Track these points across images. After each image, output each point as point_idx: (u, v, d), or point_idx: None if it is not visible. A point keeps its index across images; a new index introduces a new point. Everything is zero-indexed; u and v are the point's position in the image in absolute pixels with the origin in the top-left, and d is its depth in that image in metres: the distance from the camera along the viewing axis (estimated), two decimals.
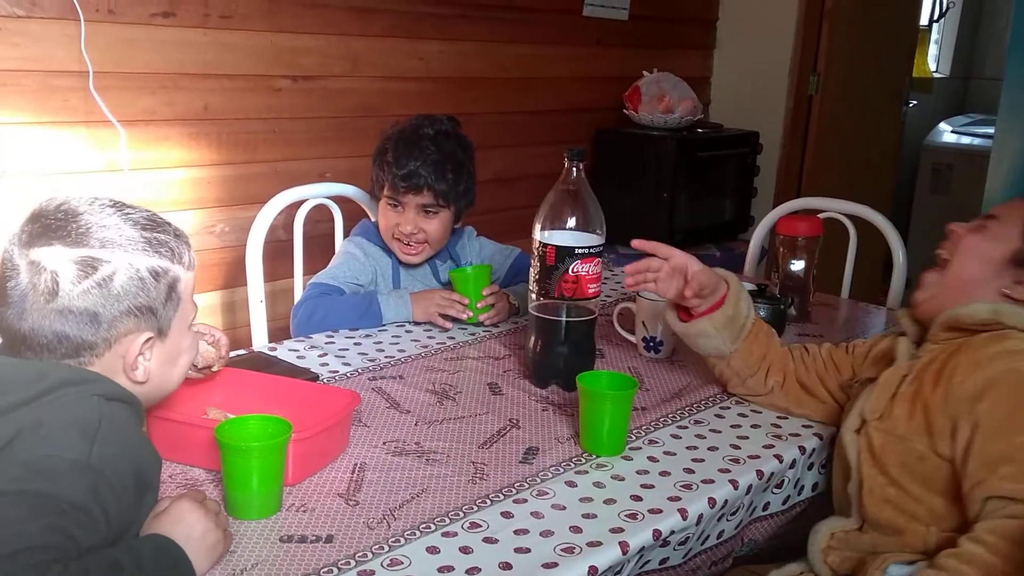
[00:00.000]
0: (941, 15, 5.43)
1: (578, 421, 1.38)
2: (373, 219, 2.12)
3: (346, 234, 2.14)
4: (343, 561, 1.05)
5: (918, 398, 1.28)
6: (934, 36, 5.60)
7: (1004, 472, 1.15)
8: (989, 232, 1.35)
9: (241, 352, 1.68)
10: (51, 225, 1.01)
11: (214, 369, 1.33)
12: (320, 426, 1.23)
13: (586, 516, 1.17)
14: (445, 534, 1.11)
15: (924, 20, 5.03)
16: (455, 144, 1.93)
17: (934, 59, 5.68)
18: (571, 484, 1.25)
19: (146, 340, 1.05)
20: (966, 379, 1.23)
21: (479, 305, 1.86)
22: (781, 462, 1.38)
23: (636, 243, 1.48)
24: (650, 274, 1.46)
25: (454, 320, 1.85)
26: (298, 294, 2.11)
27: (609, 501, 1.21)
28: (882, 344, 1.48)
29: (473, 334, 1.84)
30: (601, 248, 1.54)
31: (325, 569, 1.03)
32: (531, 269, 1.56)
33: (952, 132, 5.22)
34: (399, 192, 1.89)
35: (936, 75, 5.58)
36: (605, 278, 2.26)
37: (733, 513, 1.32)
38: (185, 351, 1.13)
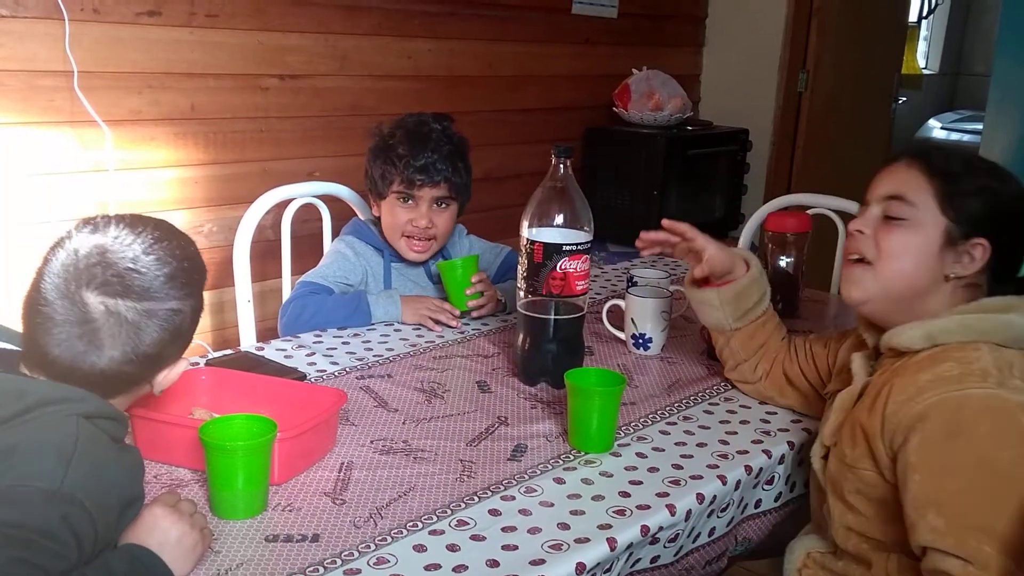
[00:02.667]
0: (930, 12, 5.44)
1: (566, 418, 1.37)
2: (363, 218, 2.11)
3: (335, 233, 2.13)
4: (329, 560, 1.04)
5: (857, 423, 1.24)
6: (923, 33, 5.62)
7: (932, 521, 1.09)
8: (907, 223, 1.25)
9: (228, 352, 1.67)
10: (126, 277, 1.01)
11: None
12: (306, 425, 1.23)
13: (574, 513, 1.16)
14: (432, 532, 1.11)
15: (913, 17, 5.05)
16: (460, 138, 1.95)
17: (923, 56, 5.70)
18: (559, 481, 1.25)
19: (184, 369, 1.11)
20: (899, 409, 1.17)
21: (468, 292, 1.86)
22: (770, 458, 1.38)
23: (665, 223, 1.54)
24: (662, 247, 1.56)
25: (443, 325, 1.85)
26: (286, 294, 2.10)
27: (597, 497, 1.21)
28: (844, 351, 1.44)
29: (462, 332, 1.84)
30: (589, 245, 1.54)
31: (311, 568, 1.02)
32: (519, 266, 1.55)
33: (941, 128, 5.24)
34: (414, 186, 1.87)
35: (925, 72, 5.60)
36: (594, 275, 2.26)
37: (723, 510, 1.31)
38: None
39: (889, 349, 1.27)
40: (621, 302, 1.77)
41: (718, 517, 1.31)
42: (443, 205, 1.92)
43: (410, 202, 1.89)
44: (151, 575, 0.96)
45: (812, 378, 1.51)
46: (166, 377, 1.10)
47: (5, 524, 0.86)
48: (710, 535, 1.32)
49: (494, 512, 1.16)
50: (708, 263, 1.49)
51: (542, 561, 1.05)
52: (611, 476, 1.27)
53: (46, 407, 0.96)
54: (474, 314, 1.89)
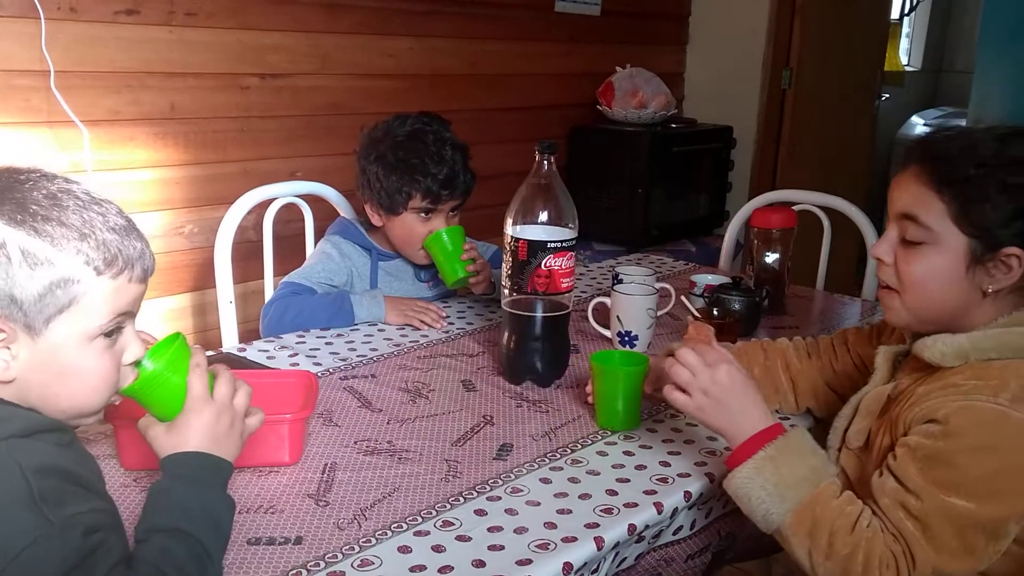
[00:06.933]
0: (911, 9, 5.47)
1: (552, 417, 1.37)
2: (348, 216, 2.09)
3: (317, 233, 2.11)
4: (312, 563, 1.02)
5: (887, 428, 1.20)
6: (905, 30, 5.64)
7: (899, 497, 1.10)
8: (925, 247, 1.16)
9: (210, 353, 1.64)
10: None
11: None
12: (311, 404, 1.27)
13: (561, 512, 1.15)
14: (417, 533, 1.09)
15: (895, 14, 5.07)
16: (463, 142, 1.94)
17: (905, 53, 5.72)
18: (545, 480, 1.23)
19: None
20: (911, 410, 1.15)
21: (464, 258, 1.86)
22: None
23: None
24: None
25: (428, 325, 1.83)
26: (269, 295, 2.08)
27: (584, 496, 1.19)
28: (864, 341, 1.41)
29: (446, 331, 1.82)
30: (574, 242, 1.53)
31: (293, 571, 1.01)
32: (503, 264, 1.54)
33: (924, 125, 5.26)
34: (440, 200, 1.86)
35: (908, 69, 5.62)
36: (580, 273, 2.25)
37: (705, 502, 1.30)
38: (87, 372, 0.94)
39: (916, 360, 1.20)
40: (607, 300, 1.76)
41: (698, 509, 1.30)
42: (455, 212, 1.92)
43: (428, 215, 1.88)
44: (216, 469, 0.99)
45: (831, 381, 1.46)
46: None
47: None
48: (692, 528, 1.30)
49: (480, 512, 1.14)
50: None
51: (529, 561, 1.04)
52: (598, 474, 1.25)
53: None
54: (471, 284, 1.90)
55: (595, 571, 1.11)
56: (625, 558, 1.19)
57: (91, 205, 0.93)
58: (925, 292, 1.18)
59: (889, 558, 1.08)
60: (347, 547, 1.06)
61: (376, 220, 1.93)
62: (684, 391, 1.21)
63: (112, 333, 0.95)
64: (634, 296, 1.72)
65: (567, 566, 1.05)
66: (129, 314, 0.97)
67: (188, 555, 0.92)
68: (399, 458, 1.28)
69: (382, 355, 1.68)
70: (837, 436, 1.30)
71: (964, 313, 1.17)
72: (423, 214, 1.88)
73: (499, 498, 1.18)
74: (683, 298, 1.83)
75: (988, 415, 1.08)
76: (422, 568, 1.02)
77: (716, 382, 1.19)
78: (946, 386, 1.13)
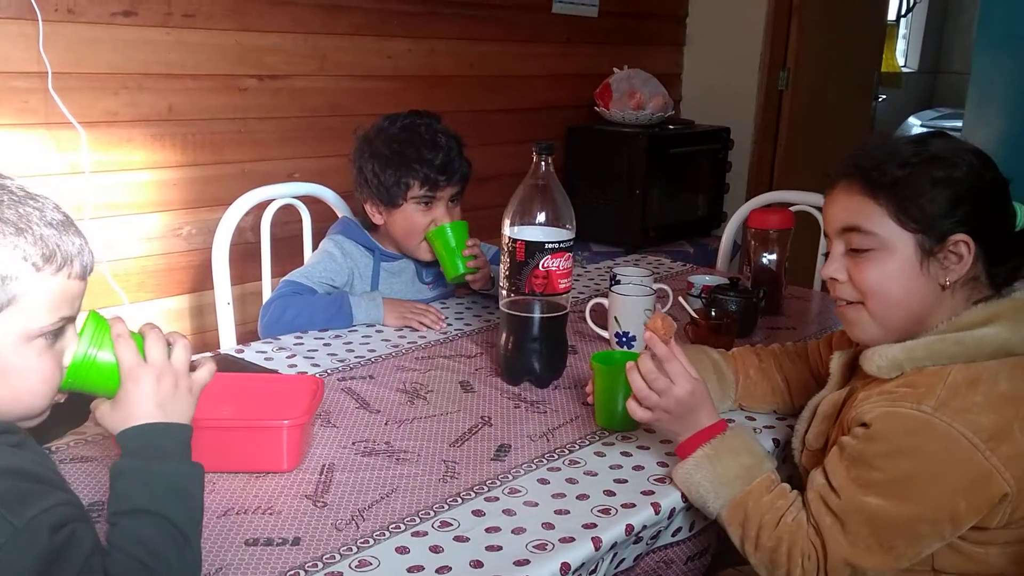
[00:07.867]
0: (908, 10, 5.48)
1: (550, 418, 1.37)
2: (348, 217, 2.09)
3: (315, 234, 2.11)
4: (310, 563, 1.03)
5: (839, 433, 1.23)
6: (902, 31, 5.66)
7: (827, 498, 1.14)
8: (874, 253, 1.17)
9: (207, 354, 1.65)
10: None
11: None
12: (311, 409, 1.25)
13: (558, 512, 1.15)
14: (415, 534, 1.09)
15: (892, 15, 5.08)
16: (457, 134, 1.95)
17: (902, 54, 5.74)
18: (543, 481, 1.23)
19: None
20: (850, 413, 1.18)
21: (465, 254, 1.87)
22: None
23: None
24: None
25: (427, 326, 1.83)
26: (267, 296, 2.08)
27: (582, 497, 1.19)
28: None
29: (444, 333, 1.82)
30: (571, 243, 1.53)
31: (292, 572, 1.01)
32: (501, 265, 1.54)
33: (921, 126, 5.28)
34: (438, 186, 1.87)
35: (904, 70, 5.63)
36: (577, 275, 2.25)
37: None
38: (27, 373, 0.92)
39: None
40: (604, 300, 1.76)
41: (697, 510, 1.30)
42: (455, 202, 1.93)
43: (429, 205, 1.89)
44: (166, 436, 0.96)
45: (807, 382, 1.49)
46: None
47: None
48: (691, 529, 1.30)
49: (478, 513, 1.14)
50: None
51: (527, 562, 1.04)
52: (596, 475, 1.26)
53: None
54: (470, 281, 1.91)
55: (593, 572, 1.12)
56: (623, 559, 1.19)
57: (26, 200, 0.91)
58: (887, 296, 1.18)
59: (811, 550, 1.14)
60: (345, 548, 1.06)
61: (377, 218, 1.93)
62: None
63: (52, 333, 0.93)
64: (632, 297, 1.72)
65: (565, 566, 1.05)
66: (70, 316, 0.95)
67: (156, 534, 0.91)
68: (397, 459, 1.28)
69: (380, 356, 1.68)
70: (798, 439, 1.34)
71: (929, 312, 1.18)
72: (423, 204, 1.89)
73: (497, 499, 1.18)
74: (681, 299, 1.83)
75: (910, 422, 1.11)
76: (420, 569, 1.02)
77: (679, 402, 1.23)
78: (882, 392, 1.17)
